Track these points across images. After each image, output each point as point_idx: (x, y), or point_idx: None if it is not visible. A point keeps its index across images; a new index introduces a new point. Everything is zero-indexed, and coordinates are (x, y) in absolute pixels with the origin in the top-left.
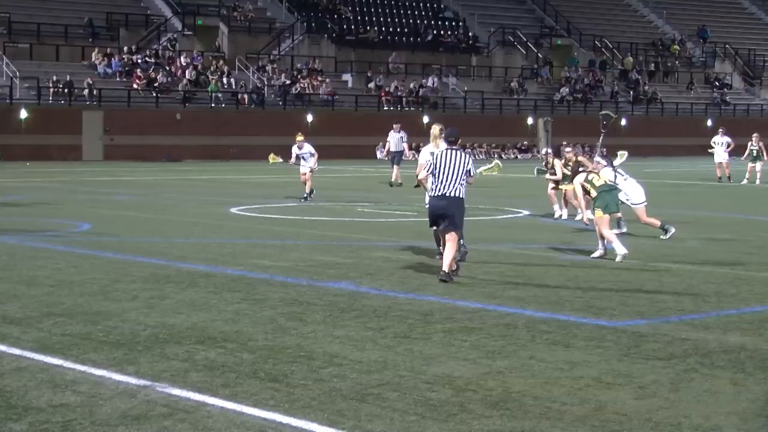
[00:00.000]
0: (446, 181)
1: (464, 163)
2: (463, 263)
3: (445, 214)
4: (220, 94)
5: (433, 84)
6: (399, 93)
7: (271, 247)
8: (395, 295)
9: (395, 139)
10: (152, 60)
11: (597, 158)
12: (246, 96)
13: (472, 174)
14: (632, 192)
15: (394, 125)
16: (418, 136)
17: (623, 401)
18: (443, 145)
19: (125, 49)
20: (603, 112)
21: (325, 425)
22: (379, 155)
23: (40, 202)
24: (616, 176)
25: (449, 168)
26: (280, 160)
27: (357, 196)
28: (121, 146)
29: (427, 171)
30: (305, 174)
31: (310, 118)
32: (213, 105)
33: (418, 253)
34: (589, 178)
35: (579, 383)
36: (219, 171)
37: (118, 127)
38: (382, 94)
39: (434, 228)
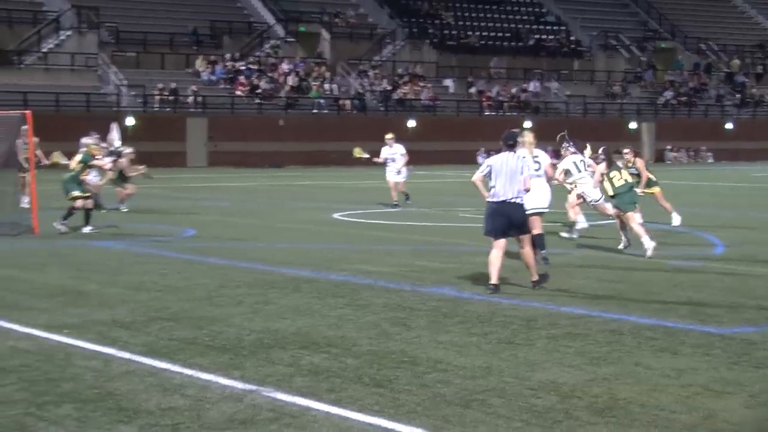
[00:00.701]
0: (506, 186)
1: (520, 167)
2: (548, 267)
3: (509, 221)
4: (322, 100)
5: (534, 88)
6: (500, 98)
7: (374, 253)
8: (498, 300)
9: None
10: (255, 67)
11: (565, 145)
12: (348, 102)
13: (523, 173)
14: (588, 188)
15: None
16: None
17: (734, 410)
18: (504, 149)
19: (228, 56)
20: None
21: (430, 431)
22: (480, 160)
23: (146, 208)
24: (578, 167)
25: (508, 173)
26: (366, 155)
27: (458, 201)
28: (225, 153)
29: (482, 174)
30: (395, 182)
31: (411, 123)
32: (315, 111)
33: (520, 258)
34: (610, 176)
35: (687, 391)
36: (321, 177)
37: (222, 134)
38: (483, 99)
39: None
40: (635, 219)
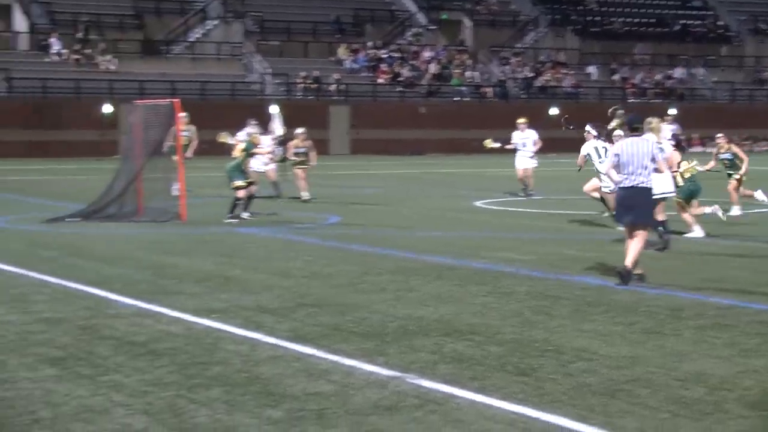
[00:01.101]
0: (632, 171)
1: (649, 151)
2: (668, 251)
3: (632, 206)
4: (463, 88)
5: (680, 75)
6: (644, 85)
7: (517, 241)
8: (643, 290)
9: None
10: (397, 55)
11: (589, 127)
12: (489, 89)
13: (656, 160)
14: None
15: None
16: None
17: None
18: (625, 134)
19: (371, 44)
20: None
21: (575, 420)
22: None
23: (290, 196)
24: (598, 153)
25: (634, 157)
26: (497, 144)
27: None
28: (367, 140)
29: (612, 162)
30: (523, 169)
31: (553, 110)
32: (456, 99)
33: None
34: (683, 167)
35: None
36: (463, 164)
37: (364, 122)
38: (627, 86)
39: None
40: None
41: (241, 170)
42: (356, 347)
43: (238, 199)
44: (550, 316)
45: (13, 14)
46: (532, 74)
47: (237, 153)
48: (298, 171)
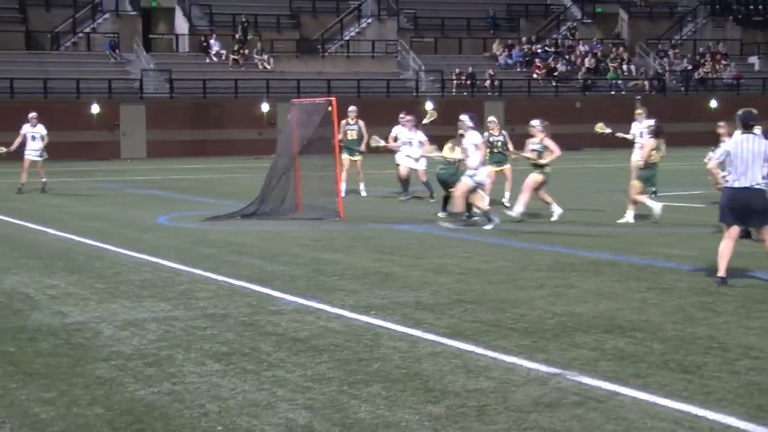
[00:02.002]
0: (745, 171)
1: (763, 150)
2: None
3: (748, 209)
4: (619, 82)
5: None
6: None
7: (677, 236)
8: None
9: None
10: (552, 49)
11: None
12: (646, 82)
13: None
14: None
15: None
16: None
17: None
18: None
19: (525, 39)
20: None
21: (744, 420)
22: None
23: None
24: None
25: (747, 156)
26: (609, 130)
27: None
28: (522, 135)
29: (718, 159)
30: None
31: (713, 103)
32: (613, 93)
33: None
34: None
35: None
36: (620, 159)
37: (519, 117)
38: None
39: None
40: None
41: (453, 172)
42: (515, 344)
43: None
44: (714, 312)
45: (175, 17)
46: (690, 66)
47: (448, 154)
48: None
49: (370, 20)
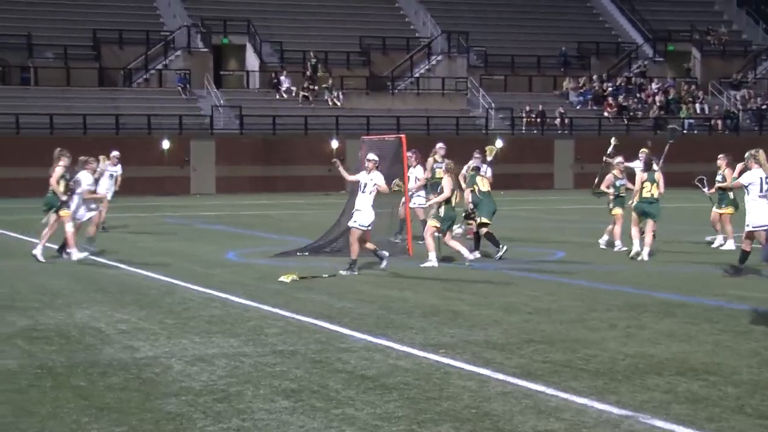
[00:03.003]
0: None
1: None
2: None
3: None
4: (691, 120)
5: None
6: None
7: (748, 278)
8: None
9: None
10: (623, 87)
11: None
12: (719, 121)
13: None
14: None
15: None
16: None
17: None
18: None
19: (596, 77)
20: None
21: None
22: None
23: (510, 229)
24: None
25: None
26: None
27: None
28: (592, 174)
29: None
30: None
31: None
32: (685, 131)
33: None
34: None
35: None
36: (695, 199)
37: (589, 156)
38: None
39: None
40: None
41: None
42: (587, 385)
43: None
44: None
45: (246, 54)
46: (765, 105)
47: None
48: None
49: (440, 57)
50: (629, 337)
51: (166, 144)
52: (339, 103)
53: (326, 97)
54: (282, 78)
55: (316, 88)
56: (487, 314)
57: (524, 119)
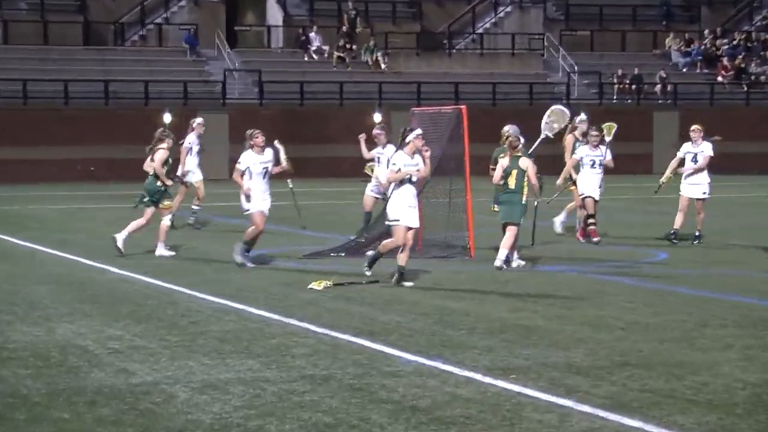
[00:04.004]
0: None
1: None
2: None
3: None
4: None
5: None
6: None
7: None
8: None
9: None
10: (742, 45)
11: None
12: None
13: None
14: None
15: None
16: None
17: None
18: None
19: (707, 32)
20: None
21: None
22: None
23: (612, 225)
24: None
25: None
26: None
27: None
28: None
29: None
30: None
31: None
32: None
33: None
34: None
35: None
36: None
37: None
38: None
39: None
40: None
41: None
42: (696, 420)
43: None
44: None
45: (267, 5)
46: None
47: None
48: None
49: (509, 8)
50: (750, 361)
51: (167, 118)
52: (383, 67)
53: (366, 59)
54: (312, 35)
55: (354, 47)
56: (569, 330)
57: (615, 86)
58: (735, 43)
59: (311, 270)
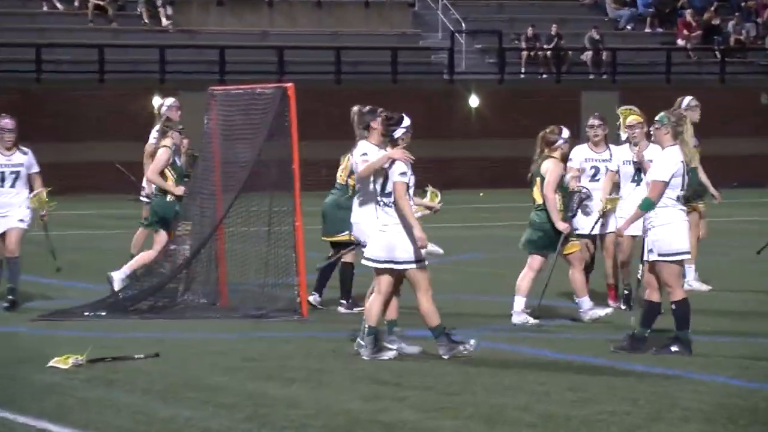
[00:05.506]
0: None
1: None
2: None
3: None
4: None
5: None
6: None
7: None
8: None
9: None
10: None
11: None
12: None
13: None
14: None
15: None
16: None
17: None
18: None
19: None
20: None
21: None
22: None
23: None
24: None
25: None
26: None
27: None
28: None
29: None
30: None
31: None
32: None
33: None
34: None
35: None
36: None
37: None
38: None
39: None
40: None
41: None
42: None
43: None
44: None
45: None
46: None
47: None
48: None
49: None
50: None
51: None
52: (166, 23)
53: (140, 11)
54: None
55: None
56: (449, 429)
57: (524, 52)
58: None
59: (53, 337)
